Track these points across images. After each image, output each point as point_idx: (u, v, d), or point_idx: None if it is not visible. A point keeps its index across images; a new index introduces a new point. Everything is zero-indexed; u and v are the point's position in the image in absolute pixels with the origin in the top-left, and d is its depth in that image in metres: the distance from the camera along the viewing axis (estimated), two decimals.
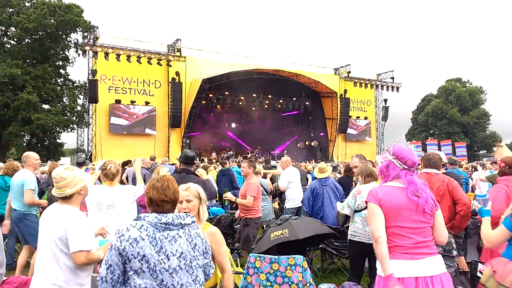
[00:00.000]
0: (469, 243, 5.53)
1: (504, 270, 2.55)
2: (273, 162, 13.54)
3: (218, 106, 28.53)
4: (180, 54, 23.42)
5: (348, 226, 4.55)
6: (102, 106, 22.08)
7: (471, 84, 49.86)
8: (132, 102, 22.95)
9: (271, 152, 29.71)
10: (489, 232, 2.70)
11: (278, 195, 8.50)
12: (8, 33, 27.77)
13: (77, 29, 27.77)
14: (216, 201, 8.84)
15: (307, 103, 30.16)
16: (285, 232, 4.57)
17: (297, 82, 27.87)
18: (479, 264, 3.29)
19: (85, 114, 25.79)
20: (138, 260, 1.99)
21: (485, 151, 48.03)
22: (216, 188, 8.87)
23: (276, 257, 3.86)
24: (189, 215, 2.22)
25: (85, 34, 25.54)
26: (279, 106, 29.26)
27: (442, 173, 4.47)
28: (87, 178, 2.91)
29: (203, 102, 25.62)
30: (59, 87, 28.96)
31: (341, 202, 6.18)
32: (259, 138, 31.04)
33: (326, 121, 30.42)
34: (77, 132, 27.31)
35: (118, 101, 22.56)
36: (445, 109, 45.58)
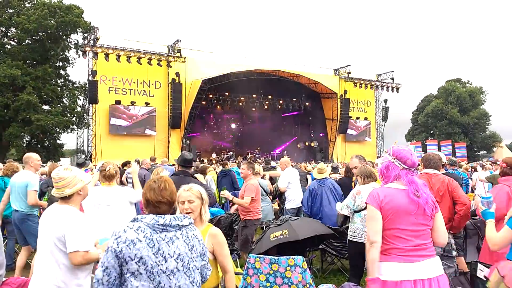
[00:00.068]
0: (469, 243, 5.52)
1: None
2: (272, 163, 13.54)
3: (218, 106, 28.54)
4: (180, 55, 23.45)
5: (348, 226, 4.55)
6: (102, 107, 22.09)
7: (471, 84, 49.90)
8: (132, 103, 22.96)
9: (271, 152, 29.72)
10: (494, 235, 2.66)
11: (278, 195, 8.50)
12: (8, 34, 27.79)
13: (77, 30, 27.78)
14: (216, 202, 8.84)
15: (307, 103, 30.16)
16: (285, 232, 4.57)
17: (297, 83, 27.88)
18: (479, 265, 3.28)
19: (85, 115, 25.80)
20: (135, 262, 1.97)
21: (485, 152, 48.04)
22: (215, 190, 8.88)
23: (276, 257, 3.86)
24: (187, 216, 2.21)
25: (85, 35, 25.58)
26: (279, 106, 29.27)
27: (442, 173, 4.47)
28: (87, 178, 2.90)
29: (203, 102, 25.63)
30: (59, 88, 28.96)
31: (341, 202, 6.21)
32: (259, 138, 31.05)
33: (326, 121, 30.42)
34: (77, 133, 27.34)
35: (118, 102, 22.57)
36: (445, 110, 45.58)
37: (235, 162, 20.31)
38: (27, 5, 27.86)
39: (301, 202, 7.19)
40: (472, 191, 9.43)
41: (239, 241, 5.82)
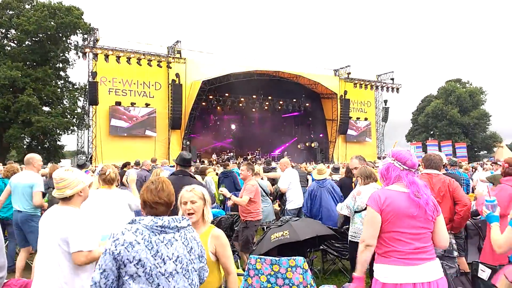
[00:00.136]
0: (470, 243, 5.52)
1: None
2: (273, 164, 13.54)
3: (218, 107, 28.55)
4: (180, 55, 23.46)
5: (349, 227, 4.55)
6: (102, 108, 22.10)
7: (471, 84, 49.90)
8: (132, 104, 22.97)
9: (271, 153, 29.72)
10: (498, 237, 2.64)
11: (279, 196, 8.50)
12: (8, 35, 27.81)
13: (77, 31, 27.80)
14: (216, 203, 8.83)
15: (307, 104, 30.17)
16: (286, 233, 4.57)
17: (297, 84, 27.90)
18: (480, 265, 3.28)
19: (85, 116, 25.82)
20: (134, 265, 1.95)
21: (485, 152, 48.02)
22: (215, 191, 8.87)
23: (277, 258, 3.86)
24: (185, 218, 2.19)
25: (85, 36, 25.59)
26: (279, 107, 29.27)
27: (443, 174, 4.46)
28: (88, 180, 2.91)
29: (203, 103, 25.64)
30: (59, 89, 28.97)
31: (337, 201, 6.23)
32: (259, 139, 31.05)
33: (326, 122, 30.43)
34: (78, 134, 27.35)
35: (118, 103, 22.58)
36: (445, 110, 45.57)
37: (236, 163, 20.31)
38: (27, 6, 27.89)
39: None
40: (473, 192, 9.43)
41: (239, 242, 5.82)
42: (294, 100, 29.28)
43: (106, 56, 21.19)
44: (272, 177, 9.13)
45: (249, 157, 27.23)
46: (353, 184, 6.31)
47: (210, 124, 31.06)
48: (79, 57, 28.46)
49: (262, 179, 8.42)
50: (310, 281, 3.73)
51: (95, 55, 21.24)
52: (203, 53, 26.07)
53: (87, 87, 24.30)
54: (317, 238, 4.96)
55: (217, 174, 11.05)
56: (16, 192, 5.41)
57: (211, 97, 26.06)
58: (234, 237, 6.07)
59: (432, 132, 47.83)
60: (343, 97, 28.69)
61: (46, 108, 27.75)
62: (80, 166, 7.64)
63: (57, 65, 29.13)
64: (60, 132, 28.27)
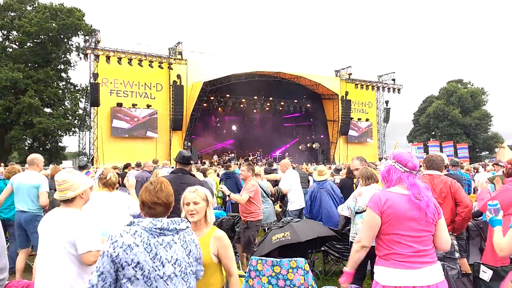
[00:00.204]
0: (472, 244, 5.50)
1: None
2: (274, 165, 13.53)
3: (219, 108, 28.57)
4: (181, 57, 23.50)
5: (350, 228, 4.54)
6: (103, 110, 22.14)
7: (472, 85, 49.79)
8: (134, 105, 23.01)
9: (272, 154, 29.72)
10: (500, 241, 2.63)
11: (280, 198, 8.50)
12: (9, 37, 27.85)
13: (79, 32, 27.84)
14: (218, 204, 8.82)
15: (308, 105, 30.17)
16: (287, 234, 4.56)
17: (298, 84, 27.91)
18: (482, 266, 3.26)
19: (86, 117, 25.84)
20: (132, 268, 1.93)
21: (487, 152, 47.90)
22: (215, 192, 8.87)
23: (278, 260, 3.85)
24: (184, 220, 2.18)
25: (87, 37, 25.61)
26: (280, 108, 29.28)
27: (444, 174, 4.45)
28: (89, 182, 2.91)
29: (205, 104, 25.66)
30: (60, 91, 28.99)
31: (337, 203, 6.23)
32: (260, 140, 31.06)
33: (327, 123, 30.43)
34: (79, 136, 27.38)
35: (119, 104, 22.62)
36: (447, 111, 45.50)
37: (237, 164, 20.30)
38: (29, 8, 27.94)
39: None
40: (475, 192, 9.40)
41: (242, 243, 5.82)
42: (295, 101, 29.28)
43: (108, 58, 21.23)
44: (272, 179, 9.12)
45: (250, 158, 27.22)
46: (354, 185, 6.30)
47: (211, 125, 31.07)
48: (80, 58, 28.45)
49: (262, 180, 8.43)
50: (311, 283, 3.72)
51: (97, 56, 21.29)
52: (204, 54, 26.13)
53: (88, 88, 24.33)
54: (318, 239, 4.95)
55: (218, 175, 11.05)
56: (20, 192, 5.40)
57: (212, 98, 26.09)
58: (236, 239, 6.07)
59: (433, 133, 47.76)
60: (344, 98, 28.68)
61: (47, 110, 27.78)
62: (82, 168, 7.64)
63: (59, 66, 29.17)
64: (62, 134, 28.28)
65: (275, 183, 9.12)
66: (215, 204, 8.26)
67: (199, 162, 21.88)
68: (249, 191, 5.67)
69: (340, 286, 2.76)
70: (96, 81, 21.14)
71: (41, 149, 27.77)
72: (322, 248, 5.62)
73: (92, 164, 19.06)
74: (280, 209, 9.05)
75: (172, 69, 23.11)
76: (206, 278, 2.56)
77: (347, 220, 4.65)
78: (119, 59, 21.51)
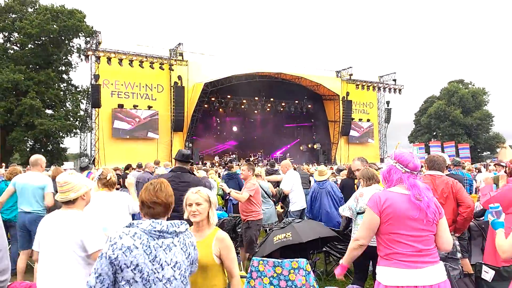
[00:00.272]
0: (474, 245, 5.49)
1: None
2: (276, 166, 13.53)
3: (220, 109, 28.59)
4: (182, 58, 23.54)
5: (351, 229, 4.53)
6: (105, 111, 22.18)
7: (473, 85, 49.77)
8: (135, 106, 23.05)
9: (273, 155, 29.72)
10: (503, 243, 2.62)
11: (282, 198, 8.50)
12: (11, 38, 27.92)
13: (80, 34, 27.90)
14: (219, 205, 8.83)
15: (309, 106, 30.18)
16: (288, 235, 4.56)
17: (299, 85, 27.92)
18: (484, 266, 3.26)
19: (88, 118, 25.89)
20: (131, 270, 1.91)
21: (488, 153, 47.84)
22: (216, 191, 8.88)
23: (280, 260, 3.84)
24: (184, 222, 2.16)
25: (88, 39, 25.66)
26: (281, 109, 29.30)
27: (446, 174, 4.44)
28: (91, 184, 2.92)
29: (206, 105, 25.69)
30: (62, 92, 29.06)
31: (336, 204, 6.23)
32: (261, 141, 31.07)
33: (328, 123, 30.43)
34: (80, 137, 27.43)
35: (120, 106, 22.66)
36: (448, 111, 45.47)
37: (238, 165, 20.30)
38: (30, 10, 28.01)
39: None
40: (476, 192, 9.39)
41: (244, 243, 5.82)
42: (296, 101, 29.29)
43: (109, 59, 21.27)
44: (273, 180, 9.13)
45: (251, 159, 27.22)
46: (355, 186, 6.30)
47: (212, 126, 31.10)
48: (81, 60, 28.53)
49: (263, 180, 8.43)
50: (313, 283, 3.72)
51: (98, 58, 21.33)
52: (205, 55, 26.19)
53: (89, 89, 24.39)
54: (319, 240, 4.95)
55: (219, 175, 11.05)
56: (24, 193, 5.39)
57: (213, 99, 26.10)
58: (239, 242, 6.07)
59: (435, 133, 47.73)
60: (345, 99, 28.68)
61: (49, 111, 27.84)
62: (83, 169, 7.66)
63: (60, 68, 29.23)
64: (63, 135, 28.35)
65: (277, 184, 9.12)
66: (217, 205, 8.26)
67: (200, 163, 21.90)
68: (249, 190, 5.69)
69: (341, 287, 2.76)
70: (97, 83, 21.19)
71: (42, 150, 27.82)
72: (324, 249, 5.61)
73: (94, 165, 19.09)
74: (281, 210, 9.05)
75: (173, 70, 23.15)
76: (209, 280, 2.56)
77: (349, 221, 4.64)
78: (120, 60, 21.55)
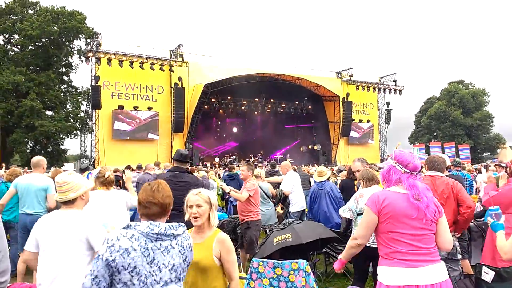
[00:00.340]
0: (474, 246, 5.49)
1: None
2: (277, 167, 13.52)
3: (220, 110, 28.59)
4: (183, 59, 23.54)
5: (352, 230, 4.53)
6: (105, 112, 22.18)
7: (474, 86, 49.78)
8: (135, 107, 23.06)
9: (274, 156, 29.70)
10: (504, 244, 2.62)
11: (282, 200, 8.50)
12: (11, 40, 27.96)
13: (80, 35, 27.94)
14: (219, 205, 8.83)
15: (309, 106, 30.18)
16: (288, 236, 4.55)
17: (299, 86, 27.91)
18: (484, 267, 3.25)
19: (88, 120, 25.90)
20: (129, 272, 1.90)
21: (488, 153, 47.83)
22: (216, 190, 8.90)
23: (279, 261, 3.84)
24: (181, 224, 2.15)
25: (88, 40, 25.70)
26: (282, 110, 29.29)
27: (446, 175, 4.44)
28: (89, 184, 2.92)
29: (206, 107, 25.68)
30: (62, 94, 29.10)
31: (335, 204, 6.23)
32: (261, 142, 31.06)
33: (328, 124, 30.41)
34: (81, 138, 27.42)
35: (121, 107, 22.66)
36: (448, 112, 45.47)
37: (239, 166, 20.29)
38: (30, 11, 28.05)
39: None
40: (476, 193, 9.38)
41: (244, 243, 5.82)
42: (297, 102, 29.29)
43: (109, 60, 21.28)
44: (274, 181, 9.14)
45: (251, 160, 27.21)
46: (355, 186, 6.30)
47: (212, 127, 31.10)
48: (82, 61, 28.58)
49: (263, 182, 8.43)
50: (312, 284, 3.71)
51: (98, 59, 21.33)
52: (205, 56, 26.22)
53: (90, 91, 24.40)
54: (319, 241, 4.94)
55: (218, 176, 11.05)
56: (27, 195, 5.38)
57: (213, 100, 26.11)
58: (240, 243, 6.07)
59: (435, 134, 47.73)
60: (345, 99, 28.68)
61: (49, 113, 27.86)
62: (83, 170, 7.66)
63: (60, 69, 29.27)
64: (63, 136, 28.37)
65: (277, 185, 9.12)
66: (217, 206, 8.25)
67: (200, 164, 21.89)
68: (249, 190, 5.70)
69: None
70: (98, 84, 21.20)
71: (42, 152, 27.84)
72: (324, 250, 5.61)
73: (94, 167, 19.09)
74: (282, 211, 9.04)
75: (173, 71, 23.15)
76: (209, 281, 2.56)
77: (349, 223, 4.63)
78: (121, 61, 21.55)
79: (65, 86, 30.31)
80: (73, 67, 30.11)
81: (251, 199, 5.73)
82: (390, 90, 31.05)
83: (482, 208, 5.83)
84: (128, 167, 10.74)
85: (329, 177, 8.13)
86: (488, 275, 3.16)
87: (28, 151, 27.47)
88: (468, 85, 50.14)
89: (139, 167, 10.88)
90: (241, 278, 4.13)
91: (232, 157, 27.97)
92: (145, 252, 1.95)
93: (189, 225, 2.72)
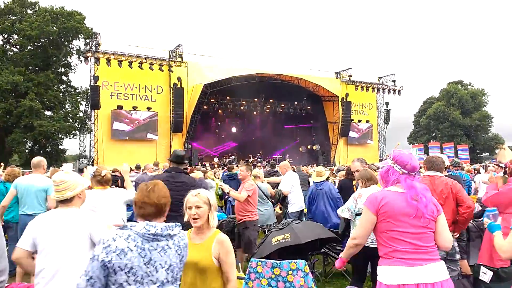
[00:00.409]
0: (472, 246, 5.49)
1: None
2: (277, 167, 13.51)
3: (219, 111, 28.59)
4: (182, 59, 23.54)
5: (350, 230, 4.53)
6: (104, 112, 22.17)
7: (472, 86, 49.78)
8: (134, 107, 23.05)
9: (273, 156, 29.70)
10: (502, 243, 2.62)
11: (281, 200, 8.50)
12: (10, 40, 27.91)
13: (79, 36, 27.89)
14: (218, 205, 8.81)
15: (308, 107, 30.19)
16: (287, 236, 4.55)
17: (299, 86, 27.92)
18: (482, 267, 3.26)
19: (87, 120, 25.87)
20: (125, 273, 1.88)
21: (487, 154, 47.86)
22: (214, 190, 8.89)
23: (278, 261, 3.84)
24: (178, 224, 2.14)
25: (87, 40, 25.67)
26: (281, 110, 29.30)
27: (445, 175, 4.44)
28: (86, 183, 2.92)
29: (205, 107, 25.68)
30: (61, 94, 29.04)
31: (333, 205, 6.23)
32: (261, 142, 31.06)
33: (327, 124, 30.43)
34: (79, 138, 27.38)
35: (120, 107, 22.66)
36: (447, 112, 45.49)
37: (237, 166, 20.28)
38: (29, 11, 28.01)
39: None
40: (475, 194, 9.39)
41: (242, 243, 5.82)
42: (296, 102, 29.29)
43: (108, 61, 21.27)
44: (273, 181, 9.14)
45: (250, 160, 27.21)
46: (354, 186, 6.30)
47: (211, 127, 31.10)
48: (81, 61, 28.50)
49: (262, 182, 8.42)
50: (311, 284, 3.71)
51: (97, 59, 21.33)
52: (204, 56, 26.22)
53: (89, 91, 24.37)
54: (318, 241, 4.94)
55: (217, 177, 11.04)
56: (27, 195, 5.38)
57: (212, 100, 26.10)
58: (237, 243, 6.06)
59: (434, 134, 47.75)
60: (344, 100, 28.69)
61: (48, 113, 27.80)
62: (82, 170, 7.65)
63: (59, 69, 29.21)
64: (62, 136, 28.31)
65: (276, 185, 9.13)
66: (217, 207, 8.24)
67: (199, 164, 21.88)
68: (248, 190, 5.69)
69: None
70: (97, 84, 21.17)
71: (41, 152, 27.79)
72: (322, 250, 5.61)
73: (93, 167, 19.04)
74: (280, 211, 9.04)
75: (172, 71, 23.14)
76: (208, 282, 2.55)
77: (348, 223, 4.62)
78: (120, 62, 21.54)
79: (64, 86, 30.25)
80: (72, 67, 30.06)
81: (249, 199, 5.73)
82: (389, 90, 31.08)
83: (481, 208, 5.84)
84: None
85: (328, 177, 8.14)
86: (486, 275, 3.17)
87: (27, 151, 27.42)
88: (467, 85, 50.16)
89: (138, 167, 10.86)
90: (239, 278, 4.14)
91: (231, 157, 27.97)
92: (141, 253, 1.93)
93: (188, 226, 2.72)
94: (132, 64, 21.83)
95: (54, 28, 26.09)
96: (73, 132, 27.91)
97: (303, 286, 3.70)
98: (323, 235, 4.88)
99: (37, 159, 5.59)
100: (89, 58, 22.14)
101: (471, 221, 5.04)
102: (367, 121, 32.11)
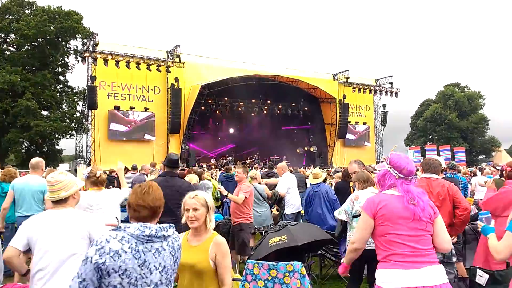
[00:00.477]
0: (468, 249, 5.51)
1: None
2: (274, 169, 13.50)
3: (217, 111, 28.54)
4: (179, 60, 23.50)
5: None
6: (101, 113, 22.09)
7: (469, 89, 49.99)
8: (131, 108, 22.98)
9: (270, 157, 29.69)
10: (496, 243, 2.63)
11: (278, 201, 8.49)
12: (7, 40, 27.84)
13: (77, 35, 27.87)
14: (216, 207, 8.79)
15: (306, 108, 30.20)
16: (284, 238, 4.55)
17: (296, 88, 27.93)
18: (478, 270, 3.27)
19: (84, 120, 25.81)
20: (119, 275, 1.85)
21: (484, 156, 48.08)
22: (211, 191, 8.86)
23: (274, 263, 3.83)
24: (172, 226, 2.13)
25: (85, 40, 25.63)
26: (278, 111, 29.29)
27: (441, 178, 4.46)
28: (80, 183, 2.91)
29: (202, 108, 25.65)
30: (58, 94, 29.00)
31: (330, 206, 6.24)
32: (258, 143, 31.04)
33: (325, 126, 30.44)
34: (76, 139, 27.32)
35: (117, 107, 22.59)
36: (444, 114, 45.66)
37: (234, 167, 20.26)
38: (27, 11, 27.95)
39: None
40: (471, 196, 9.43)
41: (236, 245, 5.81)
42: (293, 104, 29.30)
43: (105, 61, 21.20)
44: (271, 183, 9.14)
45: (248, 161, 27.19)
46: (351, 188, 6.31)
47: (209, 128, 31.06)
48: (78, 61, 28.50)
49: (260, 183, 8.41)
50: (307, 286, 3.71)
51: (94, 59, 21.25)
52: (202, 57, 26.15)
53: (86, 91, 24.31)
54: (315, 243, 4.94)
55: (213, 178, 11.02)
56: (25, 197, 5.35)
57: (210, 101, 26.07)
58: (231, 245, 6.06)
59: (430, 137, 47.94)
60: (341, 101, 28.73)
61: (45, 113, 27.76)
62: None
63: (56, 69, 29.17)
64: (59, 137, 28.26)
65: (274, 186, 9.12)
66: (214, 209, 8.21)
67: (196, 165, 21.84)
68: (245, 192, 5.68)
69: None
70: (94, 84, 21.10)
71: (38, 152, 27.71)
72: (319, 252, 5.61)
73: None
74: (277, 213, 9.03)
75: (170, 72, 23.10)
76: (205, 285, 2.54)
77: (345, 225, 4.62)
78: (117, 62, 21.49)
79: (61, 86, 30.21)
80: (69, 67, 30.03)
81: (246, 201, 5.72)
82: (386, 92, 31.14)
83: (477, 210, 5.86)
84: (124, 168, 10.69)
85: (325, 179, 8.15)
86: (482, 278, 3.18)
87: (23, 151, 27.34)
88: (463, 88, 50.38)
89: (134, 168, 10.83)
90: (235, 279, 4.13)
91: (228, 158, 27.93)
92: (136, 255, 1.91)
93: (186, 228, 2.71)
94: (130, 65, 21.78)
95: (52, 27, 26.05)
96: (70, 132, 27.86)
97: None
98: (319, 237, 4.88)
99: (35, 160, 5.56)
100: (86, 58, 22.06)
101: (467, 224, 5.05)
102: (364, 123, 32.17)
